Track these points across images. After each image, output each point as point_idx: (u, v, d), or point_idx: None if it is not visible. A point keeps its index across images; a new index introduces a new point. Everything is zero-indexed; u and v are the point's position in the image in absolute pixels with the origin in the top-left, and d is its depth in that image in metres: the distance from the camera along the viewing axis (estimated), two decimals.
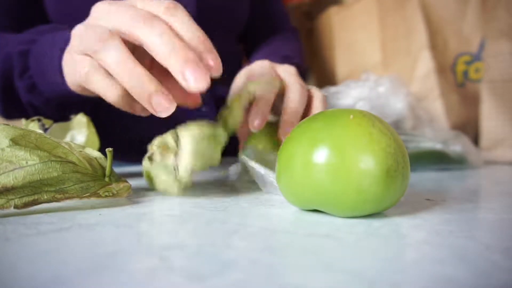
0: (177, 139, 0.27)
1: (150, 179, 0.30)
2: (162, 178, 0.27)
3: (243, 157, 0.30)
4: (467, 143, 0.50)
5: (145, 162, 0.29)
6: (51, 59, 0.35)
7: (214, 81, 0.26)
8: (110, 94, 0.29)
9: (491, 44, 0.61)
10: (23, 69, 0.39)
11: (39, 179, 0.23)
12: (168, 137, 0.30)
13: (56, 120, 0.38)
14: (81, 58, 0.29)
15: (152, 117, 0.30)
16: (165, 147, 0.27)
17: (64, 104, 0.40)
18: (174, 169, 0.26)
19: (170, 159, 0.27)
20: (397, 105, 0.55)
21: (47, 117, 0.36)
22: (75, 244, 0.18)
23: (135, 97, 0.27)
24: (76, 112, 0.39)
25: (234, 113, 0.30)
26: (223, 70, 0.28)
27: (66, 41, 0.33)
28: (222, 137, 0.29)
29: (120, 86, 0.28)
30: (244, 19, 0.64)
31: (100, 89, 0.29)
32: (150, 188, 0.31)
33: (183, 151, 0.26)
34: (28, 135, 0.24)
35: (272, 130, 0.38)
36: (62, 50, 0.33)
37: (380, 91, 0.57)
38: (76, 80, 0.31)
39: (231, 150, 0.38)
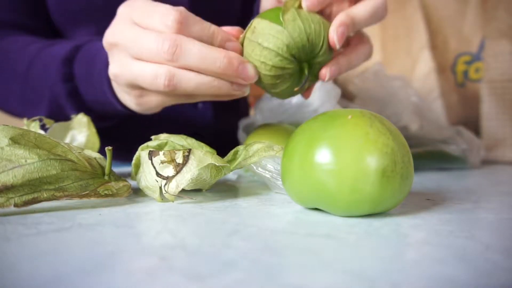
0: (187, 156, 0.26)
1: (137, 167, 0.29)
2: (148, 177, 0.27)
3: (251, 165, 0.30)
4: (469, 138, 0.50)
5: (144, 152, 0.28)
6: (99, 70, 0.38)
7: None
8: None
9: (491, 44, 0.61)
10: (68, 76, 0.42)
11: (38, 177, 0.23)
12: (180, 145, 0.30)
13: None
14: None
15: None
16: (171, 157, 0.26)
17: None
18: (165, 179, 0.26)
19: (168, 170, 0.26)
20: (402, 105, 0.54)
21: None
22: (75, 244, 0.18)
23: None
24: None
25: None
26: None
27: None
28: (225, 170, 0.29)
29: None
30: (237, 15, 0.64)
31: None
32: (132, 174, 0.30)
33: (184, 171, 0.26)
34: (27, 134, 0.24)
35: (272, 132, 0.38)
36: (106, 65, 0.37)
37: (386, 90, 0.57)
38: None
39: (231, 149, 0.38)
